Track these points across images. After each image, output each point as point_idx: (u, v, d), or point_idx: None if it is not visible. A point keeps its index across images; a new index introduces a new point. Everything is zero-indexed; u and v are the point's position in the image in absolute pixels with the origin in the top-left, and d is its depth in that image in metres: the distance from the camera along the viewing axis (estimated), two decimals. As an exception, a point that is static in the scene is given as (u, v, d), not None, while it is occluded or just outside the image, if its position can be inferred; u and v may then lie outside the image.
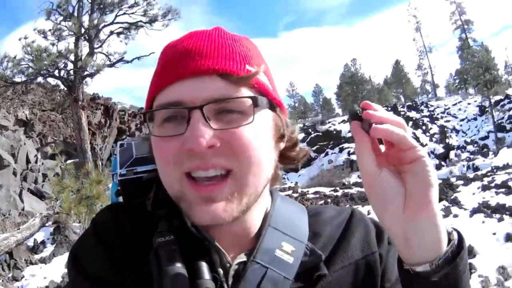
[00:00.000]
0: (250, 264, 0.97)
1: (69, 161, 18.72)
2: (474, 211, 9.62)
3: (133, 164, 1.41)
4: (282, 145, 1.05)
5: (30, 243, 10.18)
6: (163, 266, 0.89)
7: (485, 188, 12.16)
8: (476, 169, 20.61)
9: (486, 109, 37.37)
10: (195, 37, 0.97)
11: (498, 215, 9.07)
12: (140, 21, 23.00)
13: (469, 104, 46.00)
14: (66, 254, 9.18)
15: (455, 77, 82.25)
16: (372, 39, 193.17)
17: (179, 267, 0.89)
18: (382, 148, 0.91)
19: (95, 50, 22.24)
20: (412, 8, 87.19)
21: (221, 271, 0.96)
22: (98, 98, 35.07)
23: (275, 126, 1.01)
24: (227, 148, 0.88)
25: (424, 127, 35.39)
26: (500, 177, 13.26)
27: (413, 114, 42.29)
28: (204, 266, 0.92)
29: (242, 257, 1.00)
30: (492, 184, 12.44)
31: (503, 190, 11.44)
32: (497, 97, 40.03)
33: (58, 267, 8.58)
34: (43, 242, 10.39)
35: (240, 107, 0.91)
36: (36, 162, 23.51)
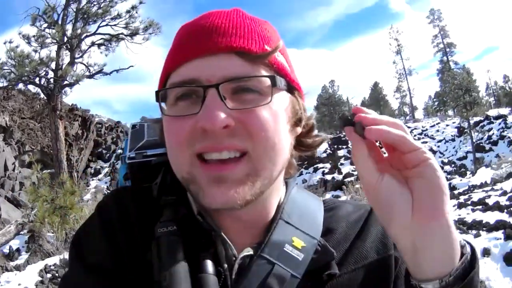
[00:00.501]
0: (256, 259, 0.92)
1: (45, 171, 18.52)
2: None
3: (143, 147, 1.34)
4: (299, 130, 1.02)
5: (6, 250, 10.23)
6: (163, 258, 0.86)
7: (461, 205, 12.17)
8: (453, 188, 20.60)
9: (465, 130, 37.60)
10: (212, 16, 0.94)
11: (474, 231, 9.14)
12: (122, 33, 23.19)
13: (447, 125, 46.23)
14: (40, 263, 9.41)
15: (434, 99, 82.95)
16: (352, 61, 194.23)
17: (180, 260, 0.85)
18: (385, 154, 0.87)
19: (76, 60, 22.22)
20: (394, 31, 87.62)
21: (225, 265, 0.92)
22: (76, 109, 34.91)
23: (293, 109, 0.97)
24: (243, 128, 0.85)
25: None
26: (477, 195, 13.29)
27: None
28: (207, 259, 0.89)
29: (249, 251, 0.94)
30: (469, 202, 12.43)
31: (479, 207, 11.44)
32: (477, 118, 40.20)
33: (32, 275, 8.63)
34: (18, 250, 10.50)
35: (258, 86, 0.87)
36: (14, 170, 23.30)
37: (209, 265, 0.88)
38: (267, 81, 0.88)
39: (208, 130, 0.83)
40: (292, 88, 0.97)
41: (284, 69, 0.95)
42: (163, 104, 0.93)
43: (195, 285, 0.84)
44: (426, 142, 39.78)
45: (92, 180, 34.15)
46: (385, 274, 1.03)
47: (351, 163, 31.92)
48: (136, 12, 23.24)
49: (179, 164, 0.91)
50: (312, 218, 1.05)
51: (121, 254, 0.93)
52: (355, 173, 28.30)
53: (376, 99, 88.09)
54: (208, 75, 0.85)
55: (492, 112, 43.03)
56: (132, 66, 23.01)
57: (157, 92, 0.93)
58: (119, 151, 37.70)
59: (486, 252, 7.84)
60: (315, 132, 1.09)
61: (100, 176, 35.05)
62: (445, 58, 76.61)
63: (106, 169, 35.74)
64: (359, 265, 1.01)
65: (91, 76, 22.39)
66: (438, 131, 45.46)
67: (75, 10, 22.28)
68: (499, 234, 8.33)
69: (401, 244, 0.84)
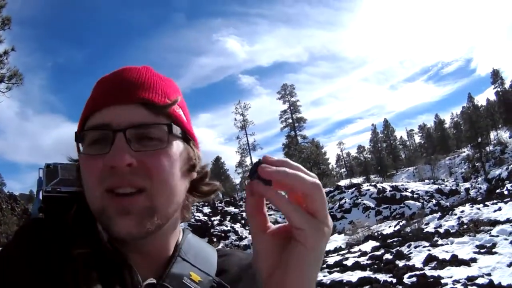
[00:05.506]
0: (158, 287, 1.02)
1: None
2: None
3: (57, 184, 1.46)
4: (194, 175, 1.14)
5: None
6: (80, 281, 0.91)
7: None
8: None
9: (313, 201, 40.06)
10: (125, 71, 1.09)
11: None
12: (-14, 78, 21.86)
13: (293, 198, 48.56)
14: None
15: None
16: (197, 137, 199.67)
17: (95, 282, 0.92)
18: None
19: None
20: (241, 106, 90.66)
21: None
22: None
23: (187, 156, 1.10)
24: (143, 168, 0.96)
25: (243, 221, 36.31)
26: (332, 259, 14.12)
27: (231, 209, 42.85)
28: (116, 284, 0.96)
29: (152, 280, 1.03)
30: (324, 265, 12.94)
31: (337, 269, 12.06)
32: (326, 189, 42.76)
33: None
34: None
35: (157, 133, 1.00)
36: None
37: None
38: (165, 128, 1.01)
39: (115, 167, 0.94)
40: (187, 138, 1.12)
41: (181, 120, 1.09)
42: (80, 145, 1.06)
43: None
44: (270, 215, 40.59)
45: None
46: None
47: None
48: (6, 59, 22.45)
49: (93, 197, 0.99)
50: (206, 258, 1.17)
51: (39, 280, 0.94)
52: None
53: (218, 174, 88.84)
54: (118, 121, 0.99)
55: (344, 182, 46.14)
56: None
57: (76, 134, 1.06)
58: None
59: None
60: (209, 180, 1.21)
61: None
62: (292, 132, 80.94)
63: None
64: None
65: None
66: (283, 204, 47.36)
67: None
68: (365, 290, 8.54)
69: None
